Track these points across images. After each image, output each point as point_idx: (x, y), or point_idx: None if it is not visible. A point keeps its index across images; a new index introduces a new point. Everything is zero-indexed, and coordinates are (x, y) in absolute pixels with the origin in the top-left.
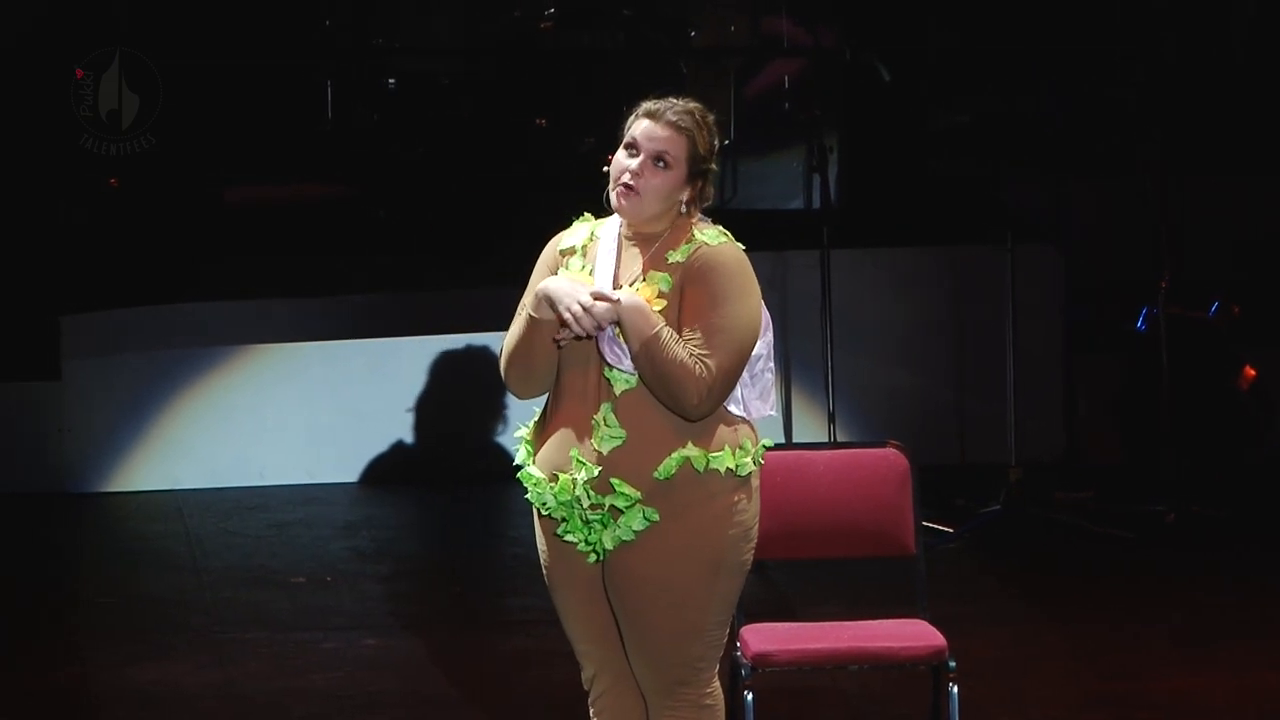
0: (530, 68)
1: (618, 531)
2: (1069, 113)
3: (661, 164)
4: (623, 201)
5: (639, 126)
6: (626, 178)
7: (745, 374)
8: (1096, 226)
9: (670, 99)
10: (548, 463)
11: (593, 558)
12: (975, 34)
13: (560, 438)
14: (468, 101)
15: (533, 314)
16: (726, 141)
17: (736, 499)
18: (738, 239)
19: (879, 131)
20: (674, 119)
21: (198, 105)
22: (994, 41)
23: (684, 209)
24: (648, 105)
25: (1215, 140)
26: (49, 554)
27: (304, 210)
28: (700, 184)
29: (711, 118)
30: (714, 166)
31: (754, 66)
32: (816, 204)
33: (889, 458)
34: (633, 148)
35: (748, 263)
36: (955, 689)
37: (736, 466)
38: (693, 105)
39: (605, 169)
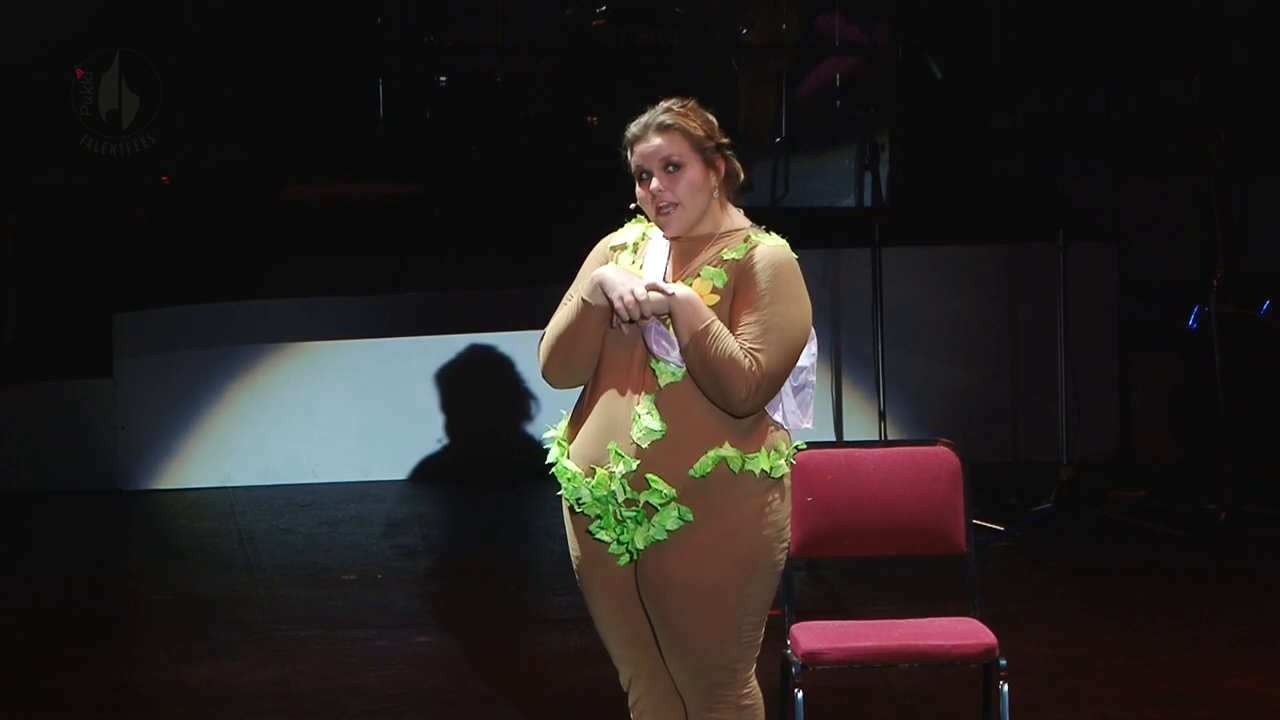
0: (582, 65)
1: (650, 531)
2: (1126, 110)
3: (673, 168)
4: (668, 222)
5: (635, 154)
6: (657, 200)
7: (788, 382)
8: (1151, 224)
9: (644, 114)
10: (584, 456)
11: (625, 559)
12: (1032, 31)
13: (598, 430)
14: (520, 99)
15: (585, 299)
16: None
17: (770, 499)
18: (790, 237)
19: (932, 129)
20: (657, 123)
21: (249, 103)
22: (1051, 39)
23: (717, 193)
24: (630, 132)
25: (1269, 138)
26: (102, 551)
27: (358, 208)
28: (722, 164)
29: (691, 102)
30: (724, 140)
31: (806, 64)
32: (869, 202)
33: (940, 455)
34: (642, 173)
35: (800, 271)
36: (1006, 688)
37: (771, 469)
38: (666, 104)
39: (633, 206)
